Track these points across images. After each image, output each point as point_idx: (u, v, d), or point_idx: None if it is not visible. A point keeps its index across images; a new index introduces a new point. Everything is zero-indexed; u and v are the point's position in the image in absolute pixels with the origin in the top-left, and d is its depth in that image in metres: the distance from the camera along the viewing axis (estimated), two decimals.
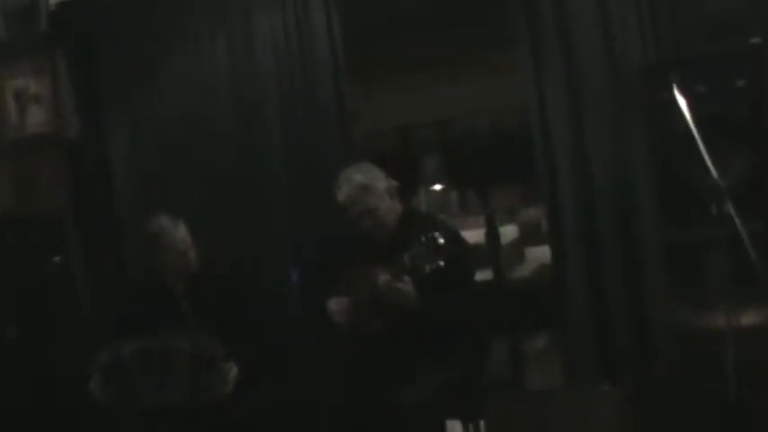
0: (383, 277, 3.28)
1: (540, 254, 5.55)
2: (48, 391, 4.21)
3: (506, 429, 3.03)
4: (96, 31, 4.60)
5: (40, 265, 4.48)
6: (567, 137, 3.76)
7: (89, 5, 4.60)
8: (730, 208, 2.63)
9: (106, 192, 4.63)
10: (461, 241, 3.58)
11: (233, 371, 3.54)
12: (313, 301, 3.67)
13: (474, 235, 5.42)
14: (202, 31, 4.39)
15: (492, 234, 5.75)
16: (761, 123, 3.18)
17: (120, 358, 3.46)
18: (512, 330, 4.90)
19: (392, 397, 3.34)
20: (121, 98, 4.58)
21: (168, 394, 3.44)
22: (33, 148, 4.79)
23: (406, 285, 3.25)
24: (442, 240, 3.17)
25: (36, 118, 4.80)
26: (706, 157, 2.69)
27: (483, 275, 4.94)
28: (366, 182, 3.48)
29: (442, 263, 3.18)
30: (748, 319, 2.85)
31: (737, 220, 2.61)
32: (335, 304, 3.49)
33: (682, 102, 2.81)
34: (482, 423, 3.33)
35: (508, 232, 6.36)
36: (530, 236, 6.37)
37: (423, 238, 3.19)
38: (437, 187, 6.87)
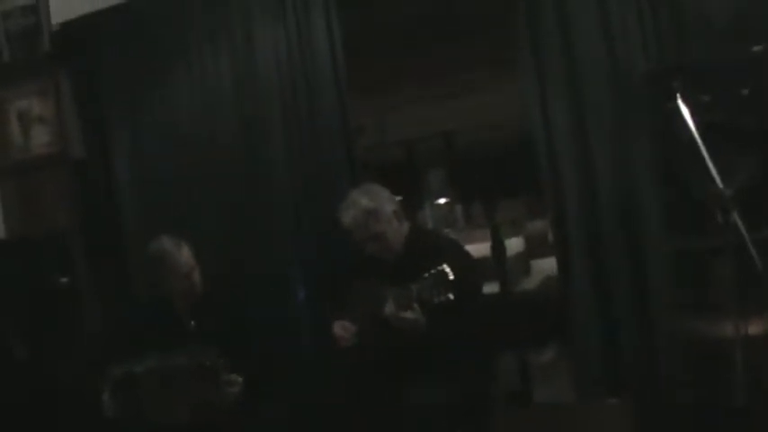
0: (389, 308, 3.21)
1: (547, 266, 5.53)
2: (55, 409, 4.21)
3: None
4: (99, 51, 4.62)
5: (47, 284, 4.49)
6: (571, 147, 3.75)
7: (91, 25, 4.61)
8: (735, 215, 2.63)
9: (112, 210, 4.63)
10: (471, 267, 3.45)
11: (238, 384, 3.54)
12: (318, 322, 3.66)
13: (479, 248, 5.41)
14: (205, 47, 4.40)
15: (498, 247, 5.74)
16: (765, 130, 3.17)
17: (131, 374, 3.46)
18: (518, 343, 4.88)
19: (398, 411, 3.31)
20: (125, 117, 4.59)
21: (175, 410, 3.45)
22: (38, 169, 4.81)
23: (414, 313, 3.17)
24: (452, 277, 3.05)
25: (40, 139, 4.82)
26: (710, 164, 2.69)
27: (489, 288, 4.92)
28: (373, 206, 3.41)
29: (451, 296, 3.08)
30: (755, 325, 2.83)
31: (742, 228, 2.60)
32: (340, 329, 3.47)
33: (685, 110, 2.81)
34: None
35: (514, 245, 6.35)
36: (536, 248, 6.36)
37: (432, 271, 3.10)
38: (442, 201, 6.87)
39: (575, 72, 3.73)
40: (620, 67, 3.64)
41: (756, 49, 3.19)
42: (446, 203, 6.87)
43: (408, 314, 3.16)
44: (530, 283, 6.13)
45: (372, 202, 3.42)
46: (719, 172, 2.68)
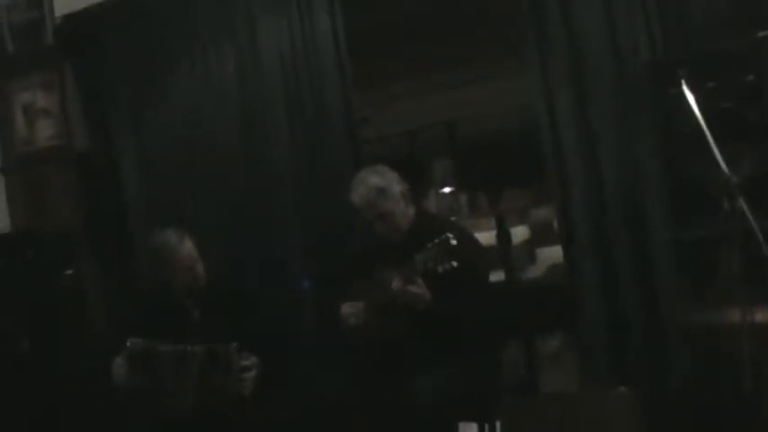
0: (396, 283, 3.27)
1: (552, 254, 5.52)
2: (59, 402, 4.22)
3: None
4: (103, 43, 4.61)
5: (51, 277, 4.50)
6: (575, 135, 3.73)
7: (95, 18, 4.61)
8: (742, 203, 2.62)
9: (116, 203, 4.63)
10: (475, 242, 3.57)
11: (251, 371, 3.56)
12: (325, 306, 3.67)
13: (485, 237, 5.40)
14: (209, 41, 4.39)
15: (503, 235, 5.73)
16: None
17: (151, 348, 3.50)
18: (524, 332, 4.88)
19: (405, 397, 3.32)
20: (129, 110, 4.59)
21: (184, 393, 3.48)
22: (43, 162, 4.82)
23: (419, 288, 3.24)
24: (454, 241, 3.16)
25: (45, 132, 4.83)
26: (716, 152, 2.68)
27: (495, 277, 4.92)
28: (383, 185, 3.46)
29: (455, 263, 3.17)
30: (762, 315, 2.82)
31: (750, 216, 2.59)
32: (349, 308, 3.49)
33: (690, 97, 2.80)
34: (497, 425, 3.31)
35: (519, 233, 6.34)
36: (541, 236, 6.35)
37: (435, 240, 3.19)
38: (446, 190, 6.86)
39: (579, 60, 3.71)
40: (625, 55, 3.62)
41: (762, 34, 3.17)
42: (450, 193, 6.85)
43: (414, 288, 3.23)
44: (535, 272, 6.12)
45: (383, 181, 3.47)
46: (726, 159, 2.67)
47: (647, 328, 3.60)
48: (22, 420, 4.18)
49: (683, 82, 2.82)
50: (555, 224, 5.00)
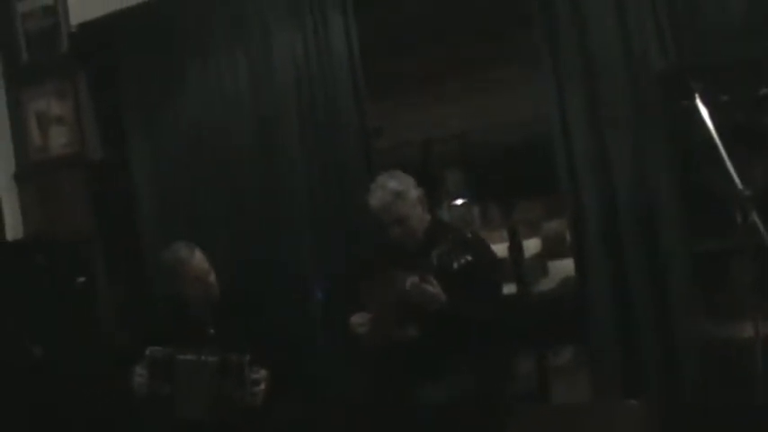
0: (411, 280, 3.26)
1: (564, 267, 5.49)
2: (71, 408, 4.23)
3: None
4: (117, 52, 4.64)
5: (64, 284, 4.51)
6: (588, 147, 3.73)
7: (110, 26, 4.63)
8: (755, 216, 2.61)
9: (129, 211, 4.65)
10: (488, 246, 3.59)
11: (263, 382, 3.57)
12: (336, 316, 3.67)
13: (497, 249, 5.37)
14: (222, 50, 4.41)
15: (515, 248, 5.70)
16: None
17: (170, 356, 3.55)
18: (536, 344, 4.85)
19: (413, 407, 3.33)
20: (143, 118, 4.61)
21: (196, 404, 3.52)
22: (57, 170, 4.84)
23: (435, 287, 3.23)
24: (469, 235, 3.24)
25: (59, 140, 4.86)
26: (729, 165, 2.67)
27: (506, 289, 4.90)
28: (400, 189, 3.48)
29: (469, 257, 3.22)
30: None
31: (762, 228, 2.58)
32: (358, 318, 3.49)
33: (704, 110, 2.79)
34: None
35: (531, 245, 6.31)
36: (553, 249, 6.32)
37: (450, 236, 3.24)
38: (459, 201, 6.85)
39: (592, 71, 3.71)
40: (638, 66, 3.61)
41: None
42: (463, 204, 6.84)
43: (429, 287, 3.22)
44: (547, 284, 6.09)
45: (400, 185, 3.49)
46: (739, 172, 2.66)
47: (660, 340, 3.58)
48: (34, 426, 4.19)
49: (696, 95, 2.81)
50: (567, 237, 4.98)
